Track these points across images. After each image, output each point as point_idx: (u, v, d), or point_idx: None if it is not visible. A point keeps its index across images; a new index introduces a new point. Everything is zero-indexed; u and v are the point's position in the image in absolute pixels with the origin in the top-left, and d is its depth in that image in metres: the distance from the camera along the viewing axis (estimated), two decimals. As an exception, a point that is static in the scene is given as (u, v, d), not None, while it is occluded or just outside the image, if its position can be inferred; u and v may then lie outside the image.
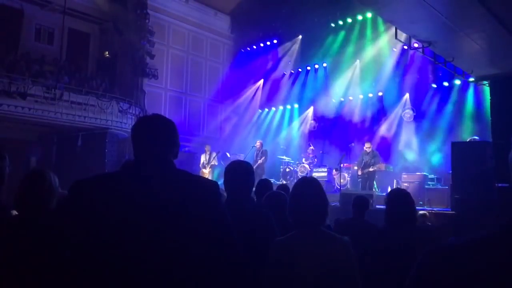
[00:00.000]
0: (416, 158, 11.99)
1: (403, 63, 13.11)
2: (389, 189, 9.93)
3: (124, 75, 15.78)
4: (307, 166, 12.75)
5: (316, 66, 15.57)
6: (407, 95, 13.23)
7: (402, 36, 8.90)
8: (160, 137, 1.61)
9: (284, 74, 16.79)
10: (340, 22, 14.67)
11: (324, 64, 15.29)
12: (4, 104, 11.66)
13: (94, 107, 13.45)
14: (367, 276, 2.52)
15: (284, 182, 11.88)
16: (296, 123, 16.02)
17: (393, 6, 6.33)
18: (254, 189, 3.58)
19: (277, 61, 16.93)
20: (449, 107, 12.06)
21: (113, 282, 1.37)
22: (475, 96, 11.60)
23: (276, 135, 15.92)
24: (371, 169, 10.56)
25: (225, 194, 2.59)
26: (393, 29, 9.08)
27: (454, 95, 12.10)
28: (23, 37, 14.85)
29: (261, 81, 17.34)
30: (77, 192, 1.51)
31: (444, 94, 12.31)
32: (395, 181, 11.04)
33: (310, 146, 13.44)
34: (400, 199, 3.05)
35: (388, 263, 2.79)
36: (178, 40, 17.44)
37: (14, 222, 2.29)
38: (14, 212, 2.41)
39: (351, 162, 11.97)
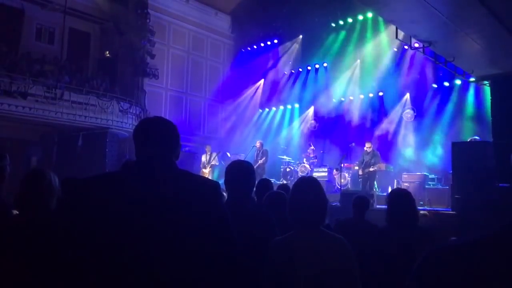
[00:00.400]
0: (416, 158, 11.98)
1: (403, 63, 13.10)
2: (389, 189, 9.93)
3: (125, 74, 15.79)
4: (307, 166, 12.74)
5: (317, 66, 15.57)
6: (407, 95, 13.22)
7: (403, 36, 8.89)
8: (161, 139, 1.61)
9: (284, 74, 16.79)
10: (341, 22, 14.68)
11: (325, 64, 15.28)
12: (4, 104, 11.66)
13: (95, 106, 13.45)
14: (367, 276, 2.52)
15: (285, 182, 11.89)
16: (296, 123, 16.01)
17: (393, 5, 6.33)
18: (254, 189, 3.59)
19: (278, 61, 16.94)
20: (450, 107, 12.05)
21: (113, 281, 1.37)
22: (475, 96, 11.59)
23: (277, 135, 15.92)
24: (371, 169, 10.56)
25: (225, 194, 2.58)
26: (394, 29, 9.07)
27: (454, 95, 12.09)
28: (24, 37, 14.86)
29: (262, 81, 17.34)
30: (78, 191, 1.52)
31: (445, 94, 12.31)
32: (395, 181, 11.04)
33: (311, 146, 13.44)
34: (401, 199, 3.05)
35: (389, 263, 2.79)
36: (179, 40, 17.44)
37: (15, 221, 2.29)
38: (15, 212, 2.41)
39: (351, 162, 11.96)
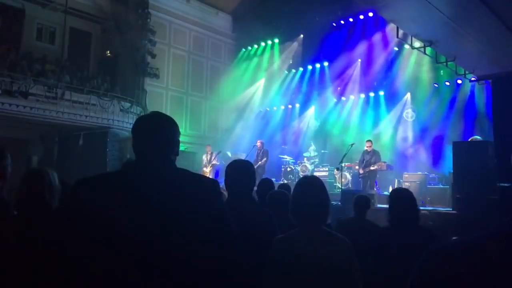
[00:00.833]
0: (417, 158, 11.97)
1: (404, 63, 13.09)
2: (390, 189, 9.93)
3: (126, 74, 15.80)
4: (308, 165, 12.74)
5: (317, 65, 15.55)
6: (408, 95, 13.21)
7: (404, 35, 8.88)
8: (160, 136, 1.60)
9: (285, 73, 16.78)
10: (342, 22, 14.65)
11: (325, 63, 15.27)
12: (6, 103, 11.68)
13: (96, 106, 13.47)
14: (368, 275, 2.52)
15: (285, 181, 11.88)
16: (297, 122, 16.00)
17: (394, 5, 6.32)
18: (255, 188, 3.58)
19: (278, 60, 16.91)
20: (451, 106, 12.04)
21: (114, 280, 1.37)
22: (476, 96, 11.58)
23: (277, 134, 15.91)
24: (372, 168, 10.55)
25: (226, 193, 2.58)
26: (395, 29, 9.07)
27: (455, 95, 12.08)
28: (25, 37, 14.88)
29: (262, 80, 17.33)
30: (78, 191, 1.52)
31: (446, 93, 12.29)
32: (396, 180, 11.03)
33: (312, 145, 13.44)
34: (402, 199, 3.05)
35: (390, 263, 2.79)
36: (180, 39, 17.44)
37: (16, 220, 2.29)
38: (15, 213, 2.41)
39: (352, 161, 11.95)
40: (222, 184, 2.65)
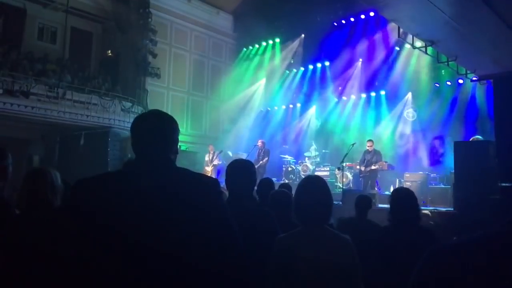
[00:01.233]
0: (418, 157, 11.96)
1: (405, 62, 13.07)
2: (391, 188, 9.92)
3: (127, 74, 15.81)
4: (309, 165, 12.74)
5: (319, 65, 15.55)
6: (409, 94, 13.20)
7: (405, 35, 8.87)
8: (159, 135, 1.59)
9: (286, 73, 16.77)
10: (343, 21, 14.64)
11: (327, 63, 15.26)
12: (7, 103, 11.70)
13: (97, 106, 13.48)
14: (370, 275, 2.52)
15: (286, 181, 11.88)
16: (298, 122, 16.00)
17: (395, 5, 6.31)
18: (256, 188, 3.58)
19: (280, 60, 16.90)
20: (452, 106, 12.03)
21: (115, 280, 1.37)
22: (478, 95, 11.56)
23: (278, 134, 15.91)
24: (373, 168, 10.55)
25: (226, 192, 2.58)
26: (396, 28, 9.05)
27: (456, 94, 12.06)
28: (26, 36, 14.89)
29: (264, 80, 17.33)
30: (78, 191, 1.51)
31: (447, 93, 12.28)
32: (397, 180, 11.02)
33: (313, 145, 13.43)
34: (403, 198, 3.05)
35: (391, 262, 2.79)
36: (181, 39, 17.44)
37: (18, 220, 2.29)
38: (17, 212, 2.42)
39: (353, 161, 11.95)
40: (223, 184, 2.66)
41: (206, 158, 13.18)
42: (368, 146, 10.87)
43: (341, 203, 9.21)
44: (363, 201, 4.49)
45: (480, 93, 11.42)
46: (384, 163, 10.68)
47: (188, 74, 17.69)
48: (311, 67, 15.87)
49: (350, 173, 12.01)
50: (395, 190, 3.37)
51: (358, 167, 11.31)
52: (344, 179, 11.10)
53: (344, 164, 10.89)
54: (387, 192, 10.26)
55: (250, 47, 17.80)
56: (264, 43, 17.22)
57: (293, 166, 13.04)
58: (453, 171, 8.58)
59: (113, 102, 13.85)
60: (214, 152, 13.13)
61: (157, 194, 1.44)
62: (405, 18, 6.89)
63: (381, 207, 8.25)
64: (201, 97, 18.09)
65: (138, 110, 14.35)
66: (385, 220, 3.16)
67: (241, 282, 1.54)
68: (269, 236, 2.25)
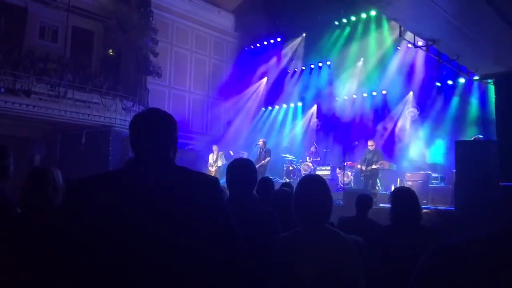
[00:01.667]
0: (420, 157, 11.94)
1: (407, 61, 13.05)
2: (392, 188, 9.90)
3: (128, 73, 15.82)
4: (310, 164, 12.73)
5: (320, 64, 15.54)
6: (411, 94, 13.18)
7: (406, 34, 8.85)
8: (158, 133, 1.58)
9: (287, 72, 16.77)
10: (344, 20, 14.63)
11: (328, 62, 15.25)
12: (8, 102, 11.71)
13: (98, 105, 13.49)
14: (371, 274, 2.52)
15: (287, 180, 11.87)
16: (299, 121, 15.99)
17: (397, 4, 6.30)
18: (256, 187, 3.58)
19: (281, 59, 16.90)
20: (453, 106, 12.01)
21: (117, 278, 1.37)
22: (479, 95, 11.54)
23: (280, 133, 15.91)
24: (374, 167, 10.55)
25: (227, 191, 2.58)
26: (398, 27, 9.04)
27: (458, 94, 12.04)
28: (28, 35, 14.90)
29: (265, 79, 17.33)
30: (79, 191, 1.52)
31: (449, 92, 12.26)
32: (398, 179, 11.01)
33: (314, 144, 13.43)
34: (404, 198, 3.04)
35: (392, 262, 2.79)
36: (182, 38, 17.44)
37: (20, 219, 2.30)
38: (18, 211, 2.42)
39: (354, 160, 11.94)
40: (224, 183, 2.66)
41: (210, 160, 13.18)
42: (369, 146, 10.87)
43: (342, 202, 9.21)
44: (364, 200, 4.49)
45: (482, 92, 11.40)
46: (385, 162, 10.68)
47: (189, 73, 17.70)
48: (312, 66, 15.85)
49: (351, 173, 12.00)
50: (396, 190, 3.37)
51: (359, 166, 11.32)
52: (345, 179, 11.10)
53: (345, 164, 10.90)
54: (388, 192, 10.25)
55: (251, 46, 17.79)
56: (265, 42, 17.20)
57: (294, 165, 13.04)
58: (454, 170, 8.57)
59: (114, 101, 13.86)
60: (218, 153, 13.14)
61: (156, 193, 1.44)
62: (406, 17, 6.89)
63: (382, 206, 8.25)
64: (202, 96, 18.10)
65: (139, 109, 14.34)
66: (386, 219, 3.16)
67: (241, 280, 1.55)
68: (270, 235, 2.25)
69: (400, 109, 13.33)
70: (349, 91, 14.63)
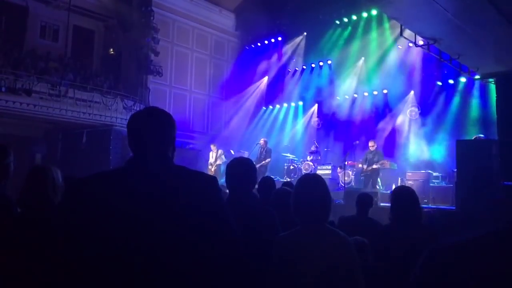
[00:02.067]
0: (420, 156, 11.93)
1: (408, 61, 13.03)
2: (393, 187, 9.90)
3: (129, 72, 15.82)
4: (311, 163, 12.73)
5: (321, 63, 15.52)
6: (412, 93, 13.16)
7: (407, 33, 8.84)
8: (156, 132, 1.57)
9: (288, 71, 16.76)
10: (345, 19, 14.61)
11: (329, 61, 15.24)
12: (9, 101, 11.72)
13: (99, 104, 13.49)
14: (371, 273, 2.52)
15: (288, 179, 11.87)
16: (300, 121, 15.99)
17: (398, 3, 6.29)
18: (257, 186, 3.58)
19: (281, 58, 16.89)
20: (454, 105, 11.99)
21: (116, 277, 1.37)
22: (480, 94, 11.52)
23: (280, 132, 15.90)
24: (374, 166, 10.55)
25: (227, 191, 2.58)
26: (398, 26, 9.02)
27: (459, 93, 12.03)
28: (28, 34, 14.92)
29: (266, 78, 17.31)
30: (77, 190, 1.51)
31: (450, 91, 12.24)
32: (399, 179, 11.00)
33: (314, 143, 13.42)
34: (405, 197, 3.04)
35: (392, 261, 2.78)
36: (183, 37, 17.44)
37: (20, 218, 2.30)
38: (18, 210, 2.42)
39: (355, 160, 11.94)
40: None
41: (210, 159, 13.19)
42: (370, 146, 10.87)
43: (342, 201, 9.22)
44: (365, 200, 4.49)
45: (483, 91, 11.38)
46: (385, 162, 10.68)
47: (190, 72, 17.69)
48: (313, 65, 15.84)
49: (352, 172, 11.99)
50: (396, 189, 3.37)
51: (360, 165, 11.31)
52: (346, 178, 11.10)
53: (346, 163, 10.90)
54: (389, 191, 10.25)
55: (252, 45, 17.78)
56: (266, 41, 17.19)
57: (294, 165, 13.03)
58: (455, 169, 8.56)
59: (115, 100, 13.87)
60: (218, 151, 13.14)
61: (155, 192, 1.44)
62: (407, 16, 6.88)
63: (383, 206, 8.24)
64: (203, 95, 18.09)
65: (140, 108, 14.33)
66: (387, 218, 3.16)
67: (240, 279, 1.54)
68: (269, 234, 2.25)
69: (401, 108, 13.31)
70: (350, 90, 14.62)
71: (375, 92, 14.01)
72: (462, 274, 0.80)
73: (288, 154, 13.70)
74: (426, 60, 12.33)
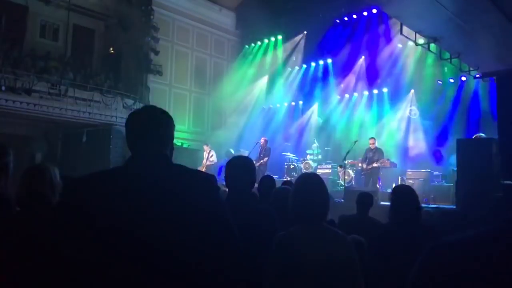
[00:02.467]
0: (421, 155, 11.93)
1: (408, 59, 13.02)
2: (393, 186, 9.89)
3: (129, 71, 15.81)
4: (311, 162, 12.73)
5: (321, 62, 15.51)
6: (412, 92, 13.16)
7: (407, 31, 8.83)
8: (154, 131, 1.57)
9: (288, 70, 16.74)
10: (345, 18, 14.60)
11: (329, 60, 15.23)
12: (9, 100, 11.71)
13: (99, 103, 13.49)
14: (370, 272, 2.51)
15: (288, 178, 11.86)
16: (300, 120, 15.98)
17: (398, 1, 6.29)
18: (257, 185, 3.58)
19: (282, 57, 16.87)
20: (455, 104, 11.99)
21: (114, 277, 1.37)
22: (481, 93, 11.51)
23: (281, 131, 15.89)
24: (375, 165, 10.54)
25: (225, 189, 2.57)
26: (399, 25, 9.01)
27: (459, 92, 12.02)
28: (28, 33, 14.90)
29: (266, 77, 17.30)
30: (76, 189, 1.51)
31: (450, 90, 12.23)
32: (399, 177, 11.00)
33: (315, 142, 13.42)
34: (404, 196, 3.04)
35: (392, 260, 2.78)
36: (183, 36, 17.42)
37: (18, 217, 2.29)
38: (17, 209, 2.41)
39: (355, 159, 11.93)
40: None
41: (204, 160, 13.23)
42: (370, 144, 10.87)
43: (343, 200, 9.21)
44: (365, 199, 4.49)
45: (483, 90, 11.37)
46: (386, 160, 10.68)
47: (190, 71, 17.67)
48: (313, 64, 15.83)
49: (352, 171, 11.99)
50: (396, 188, 3.37)
51: (360, 164, 11.31)
52: (346, 177, 11.09)
53: (346, 162, 10.89)
54: (389, 190, 10.24)
55: (252, 44, 17.76)
56: (266, 40, 17.18)
57: (295, 164, 13.03)
58: (456, 168, 8.55)
59: (115, 99, 13.86)
60: (209, 152, 13.15)
61: (153, 191, 1.43)
62: (408, 14, 6.87)
63: (383, 205, 8.24)
64: (203, 95, 18.08)
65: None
66: (387, 217, 3.15)
67: (238, 278, 1.54)
68: (268, 233, 2.25)
69: (401, 107, 13.31)
70: (350, 89, 14.61)
71: (375, 91, 14.00)
72: (462, 272, 0.80)
73: (288, 153, 13.70)
74: (426, 58, 12.32)
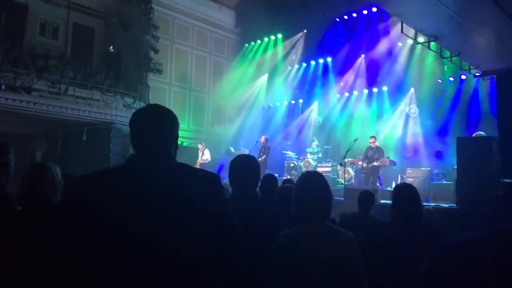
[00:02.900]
0: (421, 153, 11.93)
1: (408, 58, 13.01)
2: (393, 184, 9.91)
3: (129, 69, 15.81)
4: (311, 161, 12.73)
5: (321, 60, 15.49)
6: (412, 90, 13.15)
7: (408, 30, 8.82)
8: (158, 130, 1.56)
9: (288, 69, 16.73)
10: (345, 17, 14.59)
11: (329, 59, 15.21)
12: (9, 99, 11.70)
13: (99, 101, 13.48)
14: (372, 270, 2.51)
15: (289, 177, 11.86)
16: (300, 118, 15.98)
17: (399, 0, 6.28)
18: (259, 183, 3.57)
19: (282, 56, 16.86)
20: (455, 102, 11.98)
21: (118, 276, 1.37)
22: (481, 91, 11.51)
23: (281, 130, 15.89)
24: (375, 164, 10.54)
25: (229, 188, 2.57)
26: (399, 23, 9.00)
27: (459, 90, 12.01)
28: (28, 32, 14.88)
29: (266, 76, 17.29)
30: (79, 187, 1.51)
31: (450, 88, 12.23)
32: (399, 176, 11.01)
33: (315, 141, 13.41)
34: (406, 194, 3.04)
35: (394, 258, 2.78)
36: (183, 34, 17.41)
37: (19, 216, 2.29)
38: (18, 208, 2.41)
39: (355, 157, 11.93)
40: (226, 180, 2.65)
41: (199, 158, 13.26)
42: (371, 143, 10.86)
43: (342, 199, 9.21)
44: (367, 197, 4.49)
45: (483, 89, 11.37)
46: (386, 159, 10.68)
47: (190, 69, 17.66)
48: (313, 62, 15.82)
49: (352, 169, 11.99)
50: (397, 186, 3.36)
51: (360, 163, 11.31)
52: (346, 175, 11.09)
53: (346, 160, 10.89)
54: (389, 188, 10.25)
55: (252, 43, 17.74)
56: (266, 39, 17.16)
57: (295, 162, 13.03)
58: (456, 167, 8.56)
59: (115, 98, 13.86)
60: (203, 151, 13.17)
61: (157, 189, 1.43)
62: (408, 13, 6.86)
63: (383, 203, 8.25)
64: (203, 93, 18.07)
65: (140, 106, 14.31)
66: (387, 216, 3.16)
67: (242, 276, 1.54)
68: (272, 232, 2.25)
69: (401, 105, 13.31)
70: (349, 87, 14.61)
71: (375, 89, 14.00)
72: (471, 272, 0.79)
73: (289, 152, 13.70)
74: (426, 57, 12.31)
